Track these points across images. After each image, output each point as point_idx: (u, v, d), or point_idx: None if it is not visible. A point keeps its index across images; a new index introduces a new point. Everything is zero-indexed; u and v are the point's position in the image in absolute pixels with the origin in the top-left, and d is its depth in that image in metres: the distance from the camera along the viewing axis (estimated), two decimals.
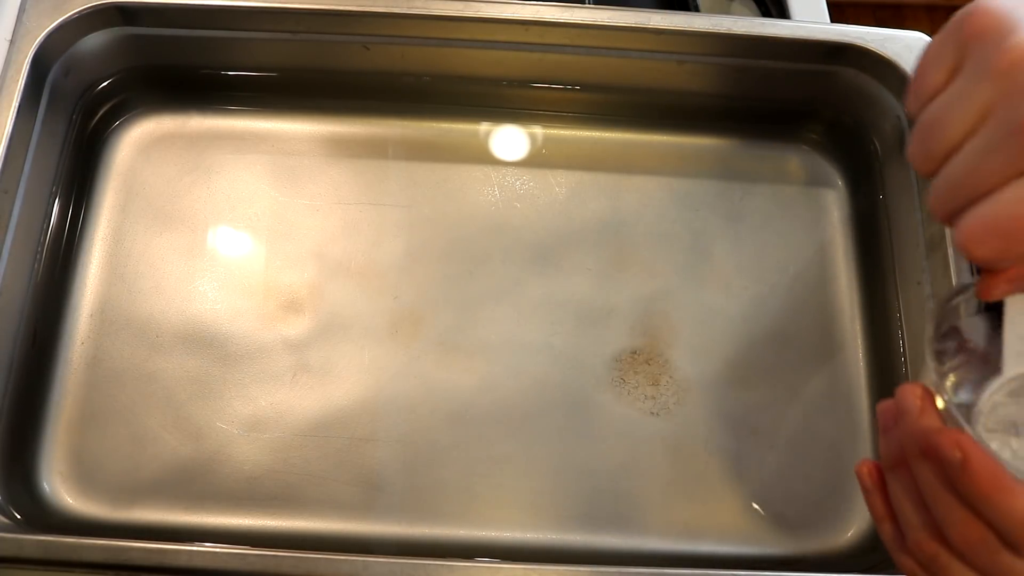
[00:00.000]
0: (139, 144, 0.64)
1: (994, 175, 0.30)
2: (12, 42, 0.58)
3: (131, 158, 0.63)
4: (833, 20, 0.67)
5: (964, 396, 0.36)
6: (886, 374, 0.59)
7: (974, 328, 0.36)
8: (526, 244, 0.62)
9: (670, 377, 0.58)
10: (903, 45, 0.60)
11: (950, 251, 0.55)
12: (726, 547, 0.55)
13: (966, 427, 0.33)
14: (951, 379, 0.36)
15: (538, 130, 0.65)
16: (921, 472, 0.34)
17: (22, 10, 0.59)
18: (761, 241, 0.63)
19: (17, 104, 0.56)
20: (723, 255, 0.62)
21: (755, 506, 0.56)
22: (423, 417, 0.57)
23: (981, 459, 0.31)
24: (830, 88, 0.63)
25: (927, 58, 0.34)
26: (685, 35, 0.61)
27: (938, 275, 0.56)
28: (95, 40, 0.61)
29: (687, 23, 0.61)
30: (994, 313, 0.35)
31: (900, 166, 0.61)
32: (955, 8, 0.39)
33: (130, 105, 0.64)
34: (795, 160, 0.66)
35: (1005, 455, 0.34)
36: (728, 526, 0.55)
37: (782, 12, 0.69)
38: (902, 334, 0.59)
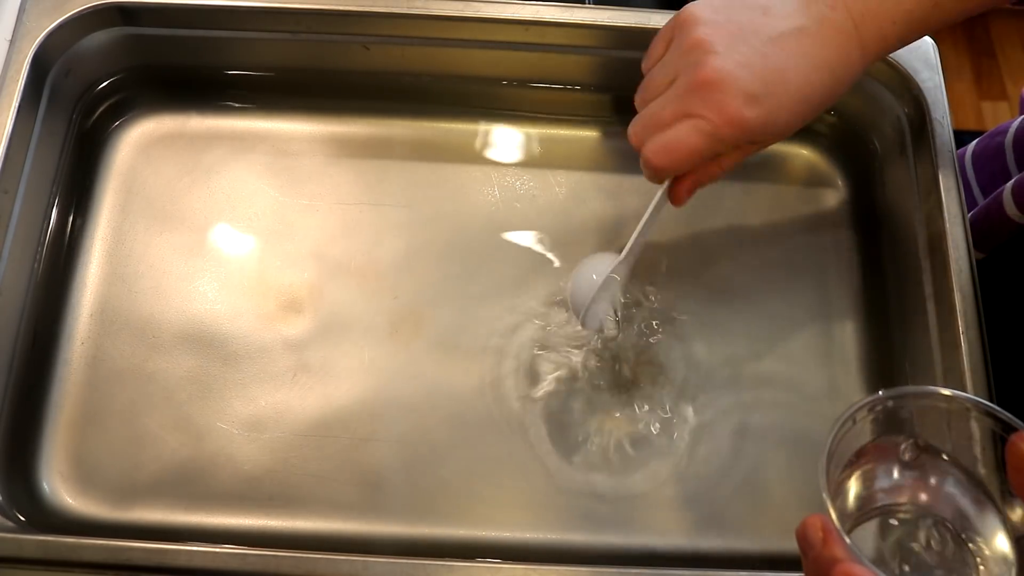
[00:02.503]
0: (139, 144, 0.64)
1: (670, 116, 0.46)
2: (12, 42, 0.58)
3: (131, 158, 0.63)
4: None
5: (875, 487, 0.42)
6: (886, 374, 0.59)
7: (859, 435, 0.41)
8: (526, 244, 0.62)
9: (670, 377, 0.58)
10: None
11: (950, 251, 0.55)
12: (726, 547, 0.55)
13: (862, 559, 0.36)
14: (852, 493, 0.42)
15: (538, 130, 0.65)
16: None
17: (22, 10, 0.59)
18: (761, 241, 0.63)
19: (17, 104, 0.56)
20: (723, 255, 0.62)
21: (755, 506, 0.56)
22: (423, 417, 0.57)
23: None
24: None
25: (657, 37, 0.50)
26: None
27: (938, 275, 0.56)
28: (95, 40, 0.61)
29: None
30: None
31: (900, 166, 0.61)
32: None
33: (130, 105, 0.64)
34: (795, 160, 0.66)
35: None
36: (728, 526, 0.55)
37: None
38: (902, 335, 0.59)
